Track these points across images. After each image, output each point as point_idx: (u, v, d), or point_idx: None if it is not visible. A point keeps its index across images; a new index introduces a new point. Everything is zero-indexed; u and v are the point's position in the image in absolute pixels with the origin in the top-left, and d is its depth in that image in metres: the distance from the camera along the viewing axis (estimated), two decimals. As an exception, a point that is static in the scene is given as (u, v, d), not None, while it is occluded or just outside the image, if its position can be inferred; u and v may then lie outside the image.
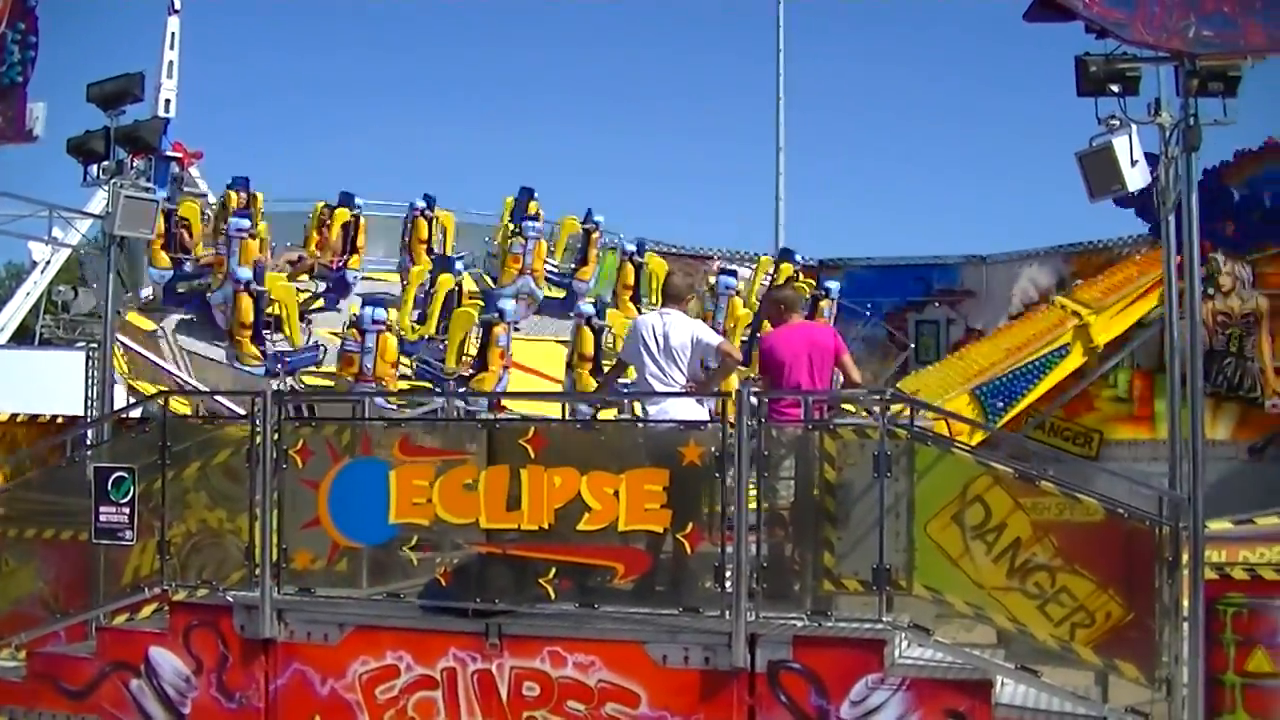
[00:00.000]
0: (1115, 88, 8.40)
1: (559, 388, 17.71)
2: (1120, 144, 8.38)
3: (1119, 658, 7.88)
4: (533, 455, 8.40)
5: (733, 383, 9.89)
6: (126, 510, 9.33)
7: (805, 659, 8.00)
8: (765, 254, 23.29)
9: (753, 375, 10.82)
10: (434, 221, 21.02)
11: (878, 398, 8.44)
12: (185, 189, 20.62)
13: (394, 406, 14.40)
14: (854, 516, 8.05)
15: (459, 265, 19.60)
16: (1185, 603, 8.00)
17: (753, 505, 8.10)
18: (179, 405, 10.07)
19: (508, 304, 18.07)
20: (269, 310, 17.74)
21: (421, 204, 20.99)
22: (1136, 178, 8.45)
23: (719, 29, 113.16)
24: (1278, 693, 8.20)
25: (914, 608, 8.10)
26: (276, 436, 8.97)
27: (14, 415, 15.68)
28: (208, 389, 14.79)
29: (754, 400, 8.11)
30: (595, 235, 21.67)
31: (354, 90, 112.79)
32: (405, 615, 8.77)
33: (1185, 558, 7.98)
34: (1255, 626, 8.25)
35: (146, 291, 17.83)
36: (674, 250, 21.75)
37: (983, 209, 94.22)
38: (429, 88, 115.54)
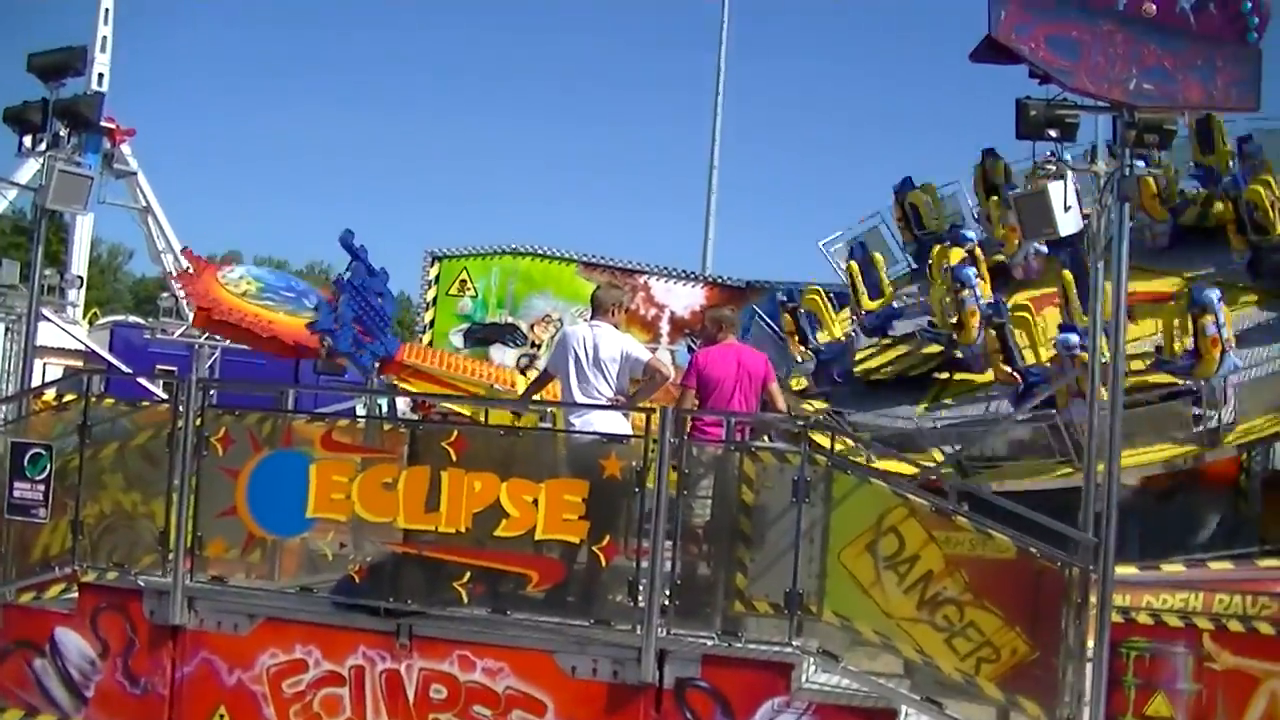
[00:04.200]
0: (1053, 133, 8.52)
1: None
2: (1055, 189, 8.52)
3: (1021, 694, 7.95)
4: (454, 458, 8.39)
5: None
6: (42, 487, 9.21)
7: (713, 678, 8.04)
8: (694, 271, 23.08)
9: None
10: None
11: (801, 423, 8.47)
12: (115, 165, 20.24)
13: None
14: (768, 539, 8.10)
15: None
16: (1090, 643, 8.12)
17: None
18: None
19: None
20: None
21: None
22: (1069, 223, 8.58)
23: (658, 38, 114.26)
24: (1174, 737, 8.35)
25: (823, 634, 8.15)
26: (199, 422, 8.90)
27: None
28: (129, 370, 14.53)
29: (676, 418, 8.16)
30: None
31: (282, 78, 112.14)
32: (317, 610, 8.73)
33: (1093, 599, 8.10)
34: (1156, 671, 8.40)
35: (75, 271, 17.51)
36: (605, 263, 21.61)
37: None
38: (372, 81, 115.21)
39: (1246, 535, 14.36)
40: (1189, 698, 8.50)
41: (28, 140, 10.97)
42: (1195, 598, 10.94)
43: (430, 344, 20.54)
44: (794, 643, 7.99)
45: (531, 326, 20.93)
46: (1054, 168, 8.57)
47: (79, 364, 22.79)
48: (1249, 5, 8.44)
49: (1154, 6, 8.46)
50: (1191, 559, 12.50)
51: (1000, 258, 18.35)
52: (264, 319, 13.35)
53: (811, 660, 8.15)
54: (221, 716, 8.69)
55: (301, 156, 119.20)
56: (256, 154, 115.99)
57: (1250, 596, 10.62)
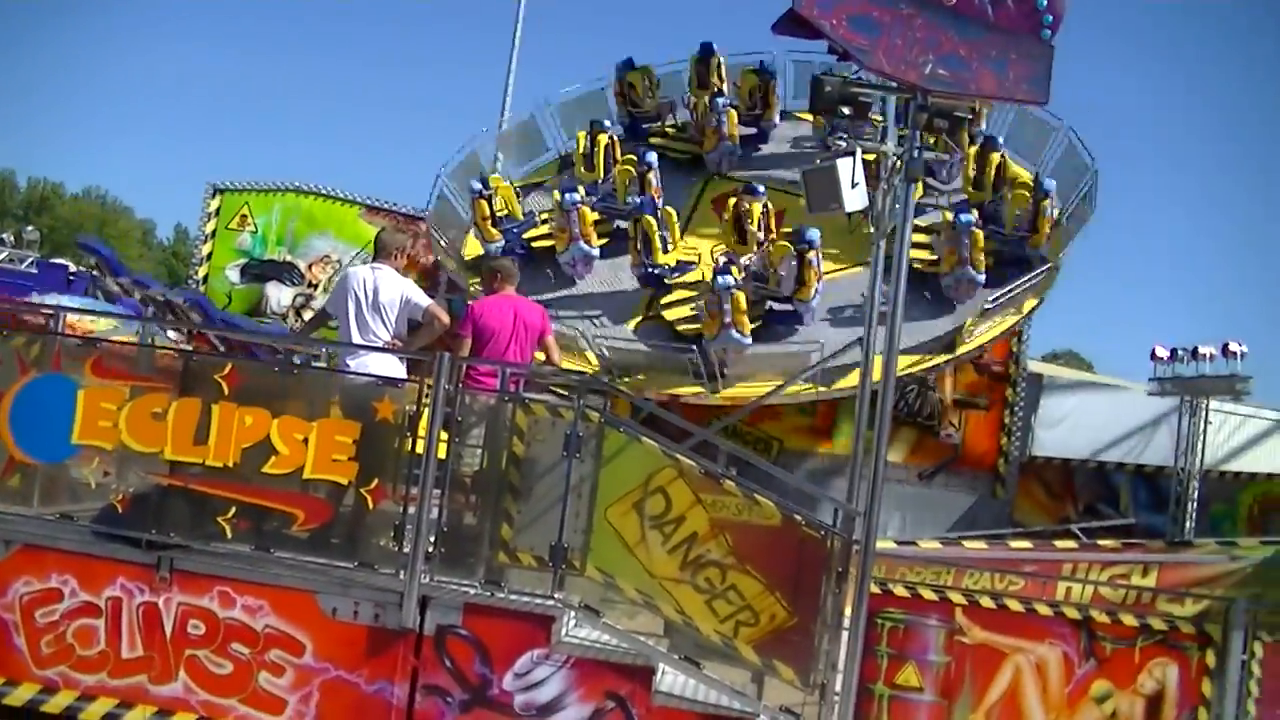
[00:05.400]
0: (847, 110, 8.63)
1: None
2: (844, 165, 8.63)
3: (778, 658, 8.14)
4: (226, 392, 8.25)
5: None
6: None
7: (474, 627, 8.06)
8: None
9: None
10: None
11: (576, 379, 8.49)
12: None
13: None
14: (536, 492, 8.12)
15: None
16: (847, 612, 8.31)
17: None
18: None
19: None
20: None
21: None
22: (855, 199, 8.72)
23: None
24: (920, 706, 8.61)
25: (586, 589, 8.21)
26: (-37, 340, 8.61)
27: None
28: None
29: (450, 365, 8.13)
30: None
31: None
32: (76, 539, 8.48)
33: (853, 570, 8.28)
34: (909, 642, 8.63)
35: None
36: (389, 208, 21.25)
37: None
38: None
39: (1000, 517, 14.93)
40: (938, 669, 8.77)
41: None
42: (948, 573, 11.31)
43: (206, 279, 20.23)
44: (556, 596, 8.04)
45: (310, 266, 20.57)
46: (843, 144, 8.69)
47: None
48: (1044, 2, 8.66)
49: None
50: (947, 537, 12.92)
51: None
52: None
53: (573, 615, 8.22)
54: (-32, 644, 8.44)
55: (90, 81, 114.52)
56: (42, 74, 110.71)
57: (999, 574, 11.03)
